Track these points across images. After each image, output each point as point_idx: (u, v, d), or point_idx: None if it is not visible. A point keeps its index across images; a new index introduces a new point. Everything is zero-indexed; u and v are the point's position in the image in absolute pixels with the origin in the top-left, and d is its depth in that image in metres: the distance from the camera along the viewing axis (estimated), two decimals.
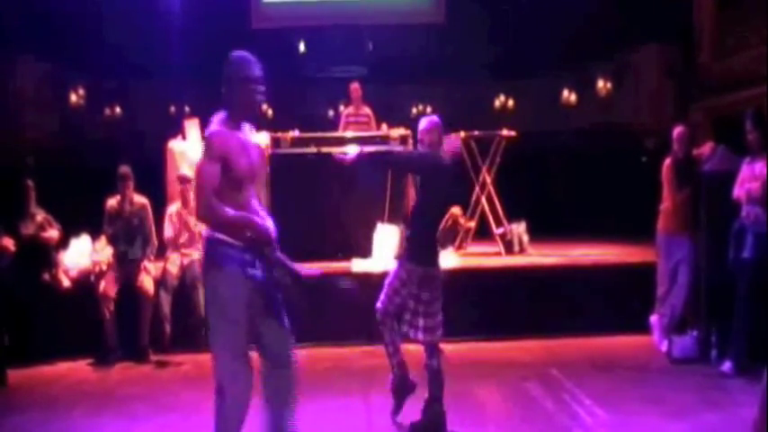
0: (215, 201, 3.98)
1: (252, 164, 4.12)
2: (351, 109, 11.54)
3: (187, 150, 9.86)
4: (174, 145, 9.96)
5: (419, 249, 5.48)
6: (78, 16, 12.74)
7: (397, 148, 9.61)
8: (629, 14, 12.89)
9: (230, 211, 4.01)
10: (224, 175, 4.00)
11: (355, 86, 11.50)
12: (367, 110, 11.42)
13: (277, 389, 4.28)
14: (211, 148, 4.00)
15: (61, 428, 5.53)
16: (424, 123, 5.65)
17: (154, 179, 9.14)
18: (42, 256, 7.92)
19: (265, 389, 4.27)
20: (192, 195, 8.59)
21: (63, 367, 7.48)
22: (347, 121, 11.38)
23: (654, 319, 7.50)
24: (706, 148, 7.33)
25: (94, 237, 8.13)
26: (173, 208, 8.40)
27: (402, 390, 5.68)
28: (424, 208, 5.64)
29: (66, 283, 7.92)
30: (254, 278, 4.09)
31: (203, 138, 4.15)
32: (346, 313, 7.86)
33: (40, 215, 8.02)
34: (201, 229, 8.38)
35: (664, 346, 7.27)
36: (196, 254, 8.07)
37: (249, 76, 4.13)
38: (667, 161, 7.34)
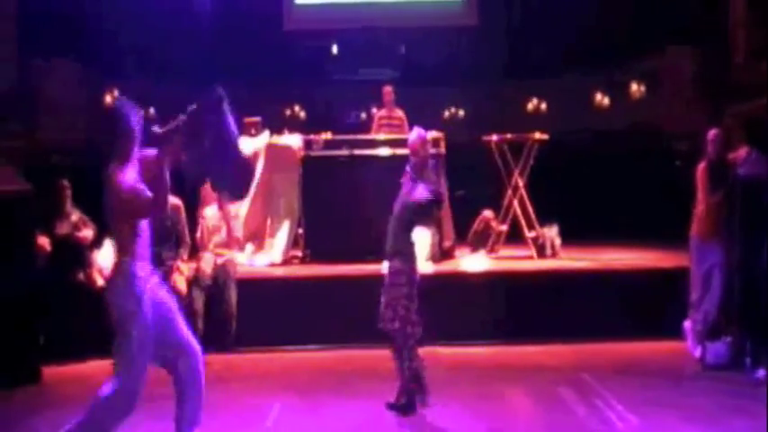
0: None
1: None
2: (383, 111, 11.42)
3: None
4: None
5: None
6: (112, 20, 12.89)
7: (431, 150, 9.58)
8: (662, 16, 12.79)
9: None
10: None
11: (388, 89, 11.40)
12: (400, 113, 11.30)
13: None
14: None
15: None
16: (417, 135, 6.11)
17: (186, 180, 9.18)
18: (77, 255, 8.01)
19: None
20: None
21: (96, 365, 7.52)
22: (380, 124, 11.25)
23: (687, 324, 7.42)
24: (740, 152, 7.25)
25: None
26: (208, 211, 8.45)
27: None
28: None
29: (100, 282, 7.98)
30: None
31: None
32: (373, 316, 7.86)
33: (76, 215, 8.12)
34: (239, 231, 8.50)
35: (697, 353, 7.20)
36: (232, 255, 8.15)
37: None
38: (701, 164, 7.26)
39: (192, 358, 4.57)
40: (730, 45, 11.72)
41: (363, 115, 16.60)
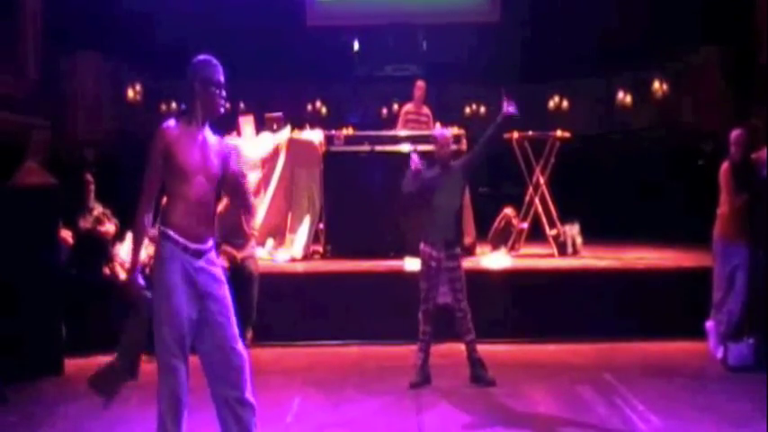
0: (146, 204, 4.11)
1: (200, 160, 4.10)
2: (411, 106, 11.20)
3: (242, 146, 9.98)
4: (229, 141, 10.08)
5: None
6: (135, 14, 12.94)
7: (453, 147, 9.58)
8: (688, 15, 12.70)
9: (139, 222, 4.12)
10: (166, 167, 4.07)
11: (420, 84, 11.13)
12: (427, 110, 11.16)
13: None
14: (155, 140, 4.10)
15: (115, 417, 5.60)
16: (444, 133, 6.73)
17: None
18: (99, 249, 8.06)
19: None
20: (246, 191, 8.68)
21: None
22: (407, 119, 11.04)
23: (710, 325, 7.37)
24: (764, 153, 7.18)
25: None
26: (221, 205, 8.47)
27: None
28: None
29: (122, 275, 8.04)
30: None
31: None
32: (399, 312, 7.86)
33: (98, 209, 8.17)
34: (254, 228, 8.51)
35: (719, 353, 7.14)
36: (252, 251, 8.17)
37: (210, 79, 4.17)
38: (725, 165, 7.19)
39: None
40: (755, 45, 11.62)
41: (384, 111, 16.62)
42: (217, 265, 4.24)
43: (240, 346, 4.18)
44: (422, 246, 6.51)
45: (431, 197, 6.43)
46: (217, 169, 4.18)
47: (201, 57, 4.25)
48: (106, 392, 4.26)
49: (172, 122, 4.15)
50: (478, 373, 6.50)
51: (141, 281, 4.13)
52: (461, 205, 6.88)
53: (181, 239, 4.07)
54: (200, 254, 4.11)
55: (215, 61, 4.23)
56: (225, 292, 4.20)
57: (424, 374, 6.52)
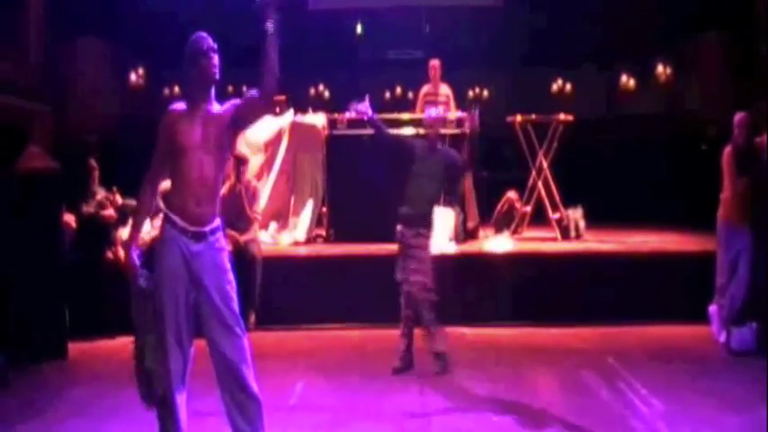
0: (147, 183, 4.20)
1: (200, 136, 4.08)
2: (428, 88, 10.85)
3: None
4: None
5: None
6: None
7: (454, 131, 9.58)
8: (692, 0, 12.65)
9: (141, 202, 4.24)
10: (168, 146, 4.11)
11: (433, 63, 10.82)
12: (446, 89, 10.79)
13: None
14: (160, 123, 4.16)
15: (120, 401, 5.61)
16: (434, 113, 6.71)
17: None
18: (102, 233, 8.07)
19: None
20: (246, 176, 8.69)
21: (122, 341, 7.56)
22: (425, 101, 10.68)
23: (712, 309, 7.37)
24: (766, 137, 7.16)
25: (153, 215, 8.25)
26: (224, 189, 8.47)
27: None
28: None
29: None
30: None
31: None
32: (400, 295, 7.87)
33: (101, 194, 8.19)
34: (257, 212, 8.51)
35: (722, 338, 7.14)
36: (255, 234, 8.18)
37: (198, 50, 4.14)
38: (727, 149, 7.16)
39: None
40: (760, 31, 11.56)
41: (387, 95, 16.59)
42: (221, 248, 4.17)
43: (238, 337, 4.11)
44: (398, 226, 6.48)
45: (410, 166, 6.46)
46: (220, 142, 4.13)
47: (193, 36, 4.21)
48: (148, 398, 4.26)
49: (177, 104, 4.17)
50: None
51: (136, 258, 4.13)
52: (438, 197, 6.76)
53: (180, 222, 4.06)
54: (200, 236, 4.08)
55: (202, 34, 4.19)
56: (221, 280, 4.11)
57: (408, 360, 6.48)
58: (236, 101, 4.21)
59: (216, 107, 4.19)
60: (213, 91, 4.19)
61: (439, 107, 10.11)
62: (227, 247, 4.29)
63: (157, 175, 4.22)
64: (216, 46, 4.17)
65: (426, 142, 6.63)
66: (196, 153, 4.06)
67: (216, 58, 4.15)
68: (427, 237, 6.44)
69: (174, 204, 4.10)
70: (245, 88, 14.09)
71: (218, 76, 4.17)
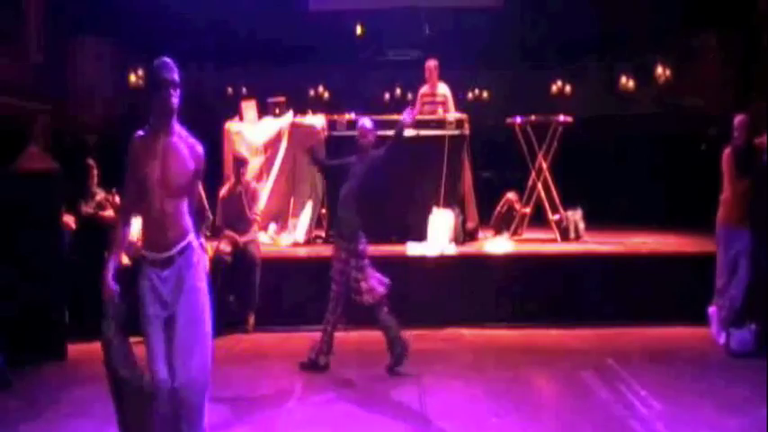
0: (121, 215, 4.33)
1: (159, 173, 4.05)
2: (426, 88, 10.54)
3: (244, 131, 9.99)
4: (232, 126, 10.11)
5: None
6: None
7: (454, 132, 9.60)
8: (691, 1, 12.66)
9: (115, 235, 4.29)
10: (132, 180, 4.10)
11: (430, 64, 10.46)
12: (444, 89, 10.50)
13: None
14: (128, 152, 4.12)
15: None
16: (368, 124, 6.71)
17: (212, 159, 9.23)
18: (101, 234, 8.06)
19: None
20: (246, 177, 8.70)
21: None
22: (423, 102, 10.50)
23: (712, 310, 7.37)
24: (766, 138, 7.16)
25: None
26: (223, 190, 8.49)
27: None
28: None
29: (125, 260, 8.03)
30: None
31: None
32: (399, 296, 7.86)
33: (100, 194, 8.18)
34: (257, 213, 8.51)
35: (721, 339, 7.15)
36: (255, 235, 8.18)
37: (156, 80, 4.08)
38: (727, 150, 7.17)
39: None
40: (760, 29, 11.57)
41: (387, 96, 16.58)
42: (191, 263, 4.15)
43: (194, 370, 4.09)
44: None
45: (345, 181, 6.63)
46: (181, 176, 4.09)
47: (157, 60, 4.13)
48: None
49: (139, 133, 4.13)
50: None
51: (113, 284, 4.17)
52: (356, 195, 6.84)
53: (149, 254, 4.13)
54: (169, 261, 4.10)
55: (165, 60, 4.11)
56: (189, 300, 4.13)
57: (321, 361, 6.53)
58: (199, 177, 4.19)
59: (181, 135, 4.14)
60: (174, 121, 4.12)
61: (438, 107, 10.17)
62: (201, 255, 4.28)
63: (130, 206, 4.26)
64: (176, 78, 4.07)
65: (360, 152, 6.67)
66: (155, 186, 4.05)
67: (174, 92, 4.06)
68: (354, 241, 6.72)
69: (145, 236, 4.19)
70: (244, 90, 14.18)
71: (176, 108, 4.08)
